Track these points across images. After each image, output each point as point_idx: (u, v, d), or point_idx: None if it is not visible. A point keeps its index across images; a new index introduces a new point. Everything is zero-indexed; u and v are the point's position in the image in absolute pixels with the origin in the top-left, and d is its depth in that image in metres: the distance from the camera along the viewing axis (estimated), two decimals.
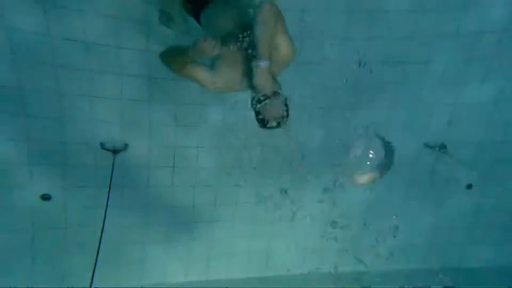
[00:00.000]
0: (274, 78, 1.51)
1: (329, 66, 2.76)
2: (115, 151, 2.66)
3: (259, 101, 1.46)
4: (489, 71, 2.89)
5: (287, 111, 1.49)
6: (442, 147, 3.11)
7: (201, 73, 1.56)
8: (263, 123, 1.49)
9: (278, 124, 1.49)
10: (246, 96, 1.63)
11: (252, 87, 1.51)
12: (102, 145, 2.68)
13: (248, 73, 1.50)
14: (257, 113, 1.50)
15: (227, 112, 2.87)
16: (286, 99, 1.49)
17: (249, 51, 1.51)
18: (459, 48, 2.79)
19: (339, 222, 3.16)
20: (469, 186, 3.39)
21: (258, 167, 3.08)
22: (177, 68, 1.58)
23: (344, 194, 3.23)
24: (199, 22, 1.82)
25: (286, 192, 3.26)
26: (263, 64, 1.41)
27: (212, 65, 1.57)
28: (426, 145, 3.15)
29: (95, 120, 2.65)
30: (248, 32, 1.51)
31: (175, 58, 1.58)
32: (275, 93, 1.46)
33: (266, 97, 1.45)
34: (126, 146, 2.75)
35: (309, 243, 3.44)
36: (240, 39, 1.56)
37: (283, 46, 1.52)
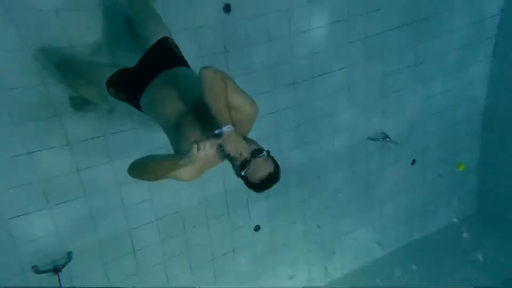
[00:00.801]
0: (245, 139, 1.35)
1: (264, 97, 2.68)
2: (57, 269, 2.13)
3: (243, 168, 1.29)
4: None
5: (275, 163, 1.34)
6: (384, 136, 3.29)
7: (179, 172, 1.33)
8: (257, 187, 1.32)
9: (273, 181, 1.32)
10: None
11: (228, 156, 1.33)
12: (37, 269, 2.13)
13: (218, 145, 1.30)
14: (246, 180, 1.32)
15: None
16: (268, 152, 1.34)
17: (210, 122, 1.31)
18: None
19: None
20: (413, 162, 3.68)
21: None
22: (156, 179, 1.35)
23: None
24: (137, 107, 1.56)
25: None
26: (226, 129, 1.23)
27: (179, 154, 1.33)
28: (370, 138, 3.31)
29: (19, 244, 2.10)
30: (202, 105, 1.32)
31: (155, 172, 1.32)
32: (255, 152, 1.30)
33: (247, 160, 1.28)
34: (70, 254, 2.24)
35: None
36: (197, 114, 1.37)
37: (242, 105, 1.38)
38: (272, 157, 1.35)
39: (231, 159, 1.33)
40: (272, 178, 1.30)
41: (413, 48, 3.18)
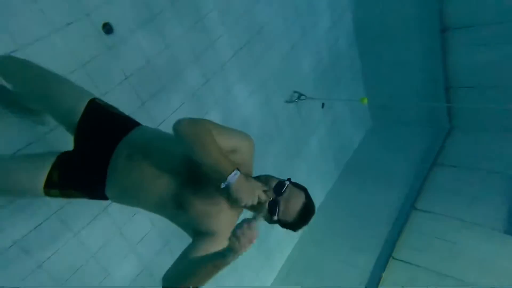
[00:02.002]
0: (258, 177, 1.15)
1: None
2: None
3: (272, 212, 1.09)
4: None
5: (302, 189, 1.16)
6: (299, 95, 3.41)
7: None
8: (297, 224, 1.13)
9: (311, 210, 1.14)
10: None
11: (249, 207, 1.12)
12: None
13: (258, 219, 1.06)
14: (283, 223, 1.13)
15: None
16: (290, 180, 1.14)
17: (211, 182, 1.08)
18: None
19: None
20: (323, 106, 3.98)
21: None
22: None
23: None
24: (101, 198, 1.22)
25: None
26: (232, 177, 0.99)
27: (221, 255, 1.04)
28: (287, 102, 3.40)
29: None
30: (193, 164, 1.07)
31: (200, 280, 1.02)
32: (277, 187, 1.09)
33: (273, 201, 1.09)
34: None
35: None
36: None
37: (237, 145, 1.15)
38: (296, 184, 1.15)
39: (252, 208, 1.11)
40: (309, 208, 1.13)
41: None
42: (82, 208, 1.95)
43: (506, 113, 3.45)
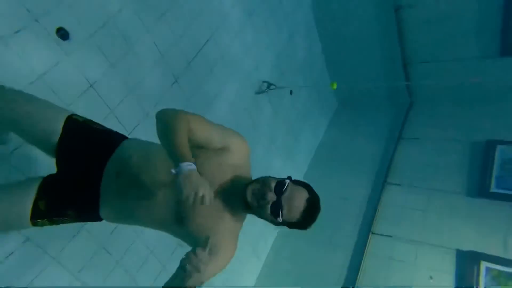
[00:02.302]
0: (257, 180, 1.09)
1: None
2: None
3: (275, 213, 1.02)
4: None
5: (304, 185, 1.09)
6: (268, 85, 3.40)
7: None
8: (303, 223, 1.06)
9: (315, 206, 1.08)
10: None
11: (245, 208, 1.08)
12: None
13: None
14: (288, 224, 1.08)
15: None
16: (290, 178, 1.08)
17: None
18: None
19: None
20: (291, 92, 4.00)
21: None
22: None
23: None
24: (94, 220, 1.16)
25: None
26: (185, 167, 0.89)
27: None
28: (257, 93, 3.37)
29: None
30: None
31: None
32: (277, 187, 1.03)
33: (277, 203, 1.01)
34: None
35: None
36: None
37: (228, 143, 1.09)
38: (297, 181, 1.09)
39: (254, 210, 1.06)
40: (313, 204, 1.06)
41: None
42: (58, 228, 1.82)
43: (461, 85, 3.68)
